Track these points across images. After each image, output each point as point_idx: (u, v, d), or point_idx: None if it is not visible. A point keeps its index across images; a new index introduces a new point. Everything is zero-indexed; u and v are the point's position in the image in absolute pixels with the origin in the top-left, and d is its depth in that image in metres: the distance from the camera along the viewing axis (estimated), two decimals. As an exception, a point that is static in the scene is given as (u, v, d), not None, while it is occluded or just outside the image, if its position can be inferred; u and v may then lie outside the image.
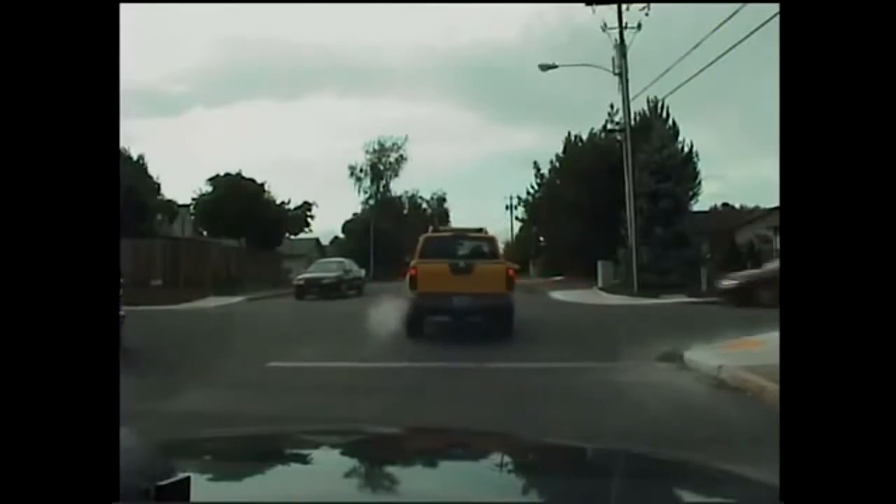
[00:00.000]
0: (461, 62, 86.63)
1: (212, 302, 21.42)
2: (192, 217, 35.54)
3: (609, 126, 27.74)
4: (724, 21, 17.22)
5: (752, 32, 15.64)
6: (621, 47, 22.46)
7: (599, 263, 26.46)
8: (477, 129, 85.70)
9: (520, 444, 1.84)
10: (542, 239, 40.29)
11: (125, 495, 0.78)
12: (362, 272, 27.57)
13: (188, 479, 0.84)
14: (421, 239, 11.43)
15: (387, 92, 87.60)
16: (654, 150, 25.17)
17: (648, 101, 29.90)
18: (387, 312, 16.52)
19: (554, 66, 23.85)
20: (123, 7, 0.97)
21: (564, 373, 7.63)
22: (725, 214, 36.28)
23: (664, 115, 29.99)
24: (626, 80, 22.53)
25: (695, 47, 18.87)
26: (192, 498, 0.84)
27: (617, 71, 22.65)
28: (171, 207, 33.53)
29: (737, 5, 16.01)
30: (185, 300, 20.79)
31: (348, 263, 28.41)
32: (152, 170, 32.97)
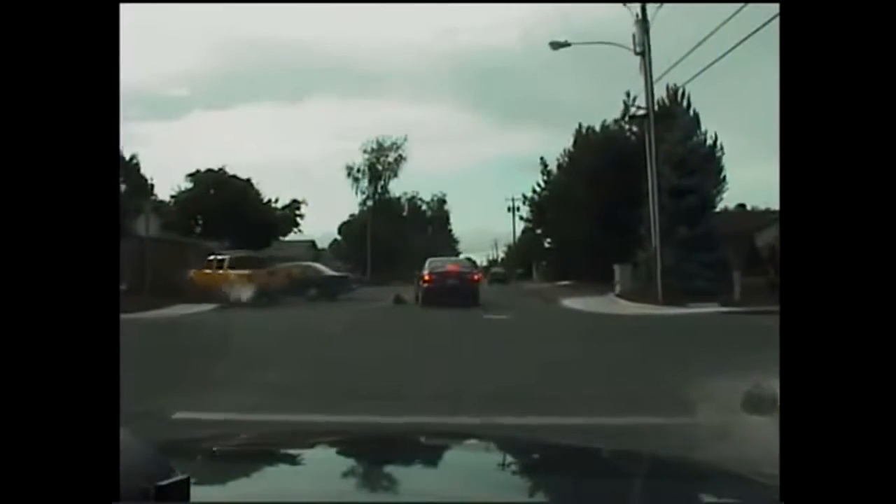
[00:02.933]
0: (462, 64, 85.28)
1: (177, 310, 18.88)
2: (174, 213, 32.72)
3: (628, 113, 24.89)
4: (734, 13, 16.32)
5: (757, 29, 14.89)
6: (643, 23, 19.67)
7: (617, 267, 23.63)
8: (478, 131, 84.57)
9: (520, 444, 1.79)
10: (549, 240, 37.61)
11: (125, 495, 0.78)
12: (340, 275, 26.26)
13: (188, 479, 0.84)
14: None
15: (387, 94, 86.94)
16: (677, 141, 22.41)
17: (668, 89, 27.12)
18: (356, 326, 13.84)
19: (567, 44, 21.32)
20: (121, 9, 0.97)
21: (621, 440, 4.94)
22: (741, 216, 33.90)
23: (685, 103, 27.33)
24: (649, 60, 19.74)
25: (701, 43, 17.01)
26: (192, 498, 0.84)
27: (638, 49, 19.95)
28: (152, 206, 31.37)
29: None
30: (147, 308, 18.16)
31: (316, 267, 26.93)
32: (148, 172, 31.15)
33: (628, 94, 25.71)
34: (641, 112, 20.64)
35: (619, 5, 20.09)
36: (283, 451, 1.62)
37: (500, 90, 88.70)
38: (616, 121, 29.58)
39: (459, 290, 19.69)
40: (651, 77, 19.99)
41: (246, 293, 20.91)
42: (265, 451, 1.60)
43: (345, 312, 17.79)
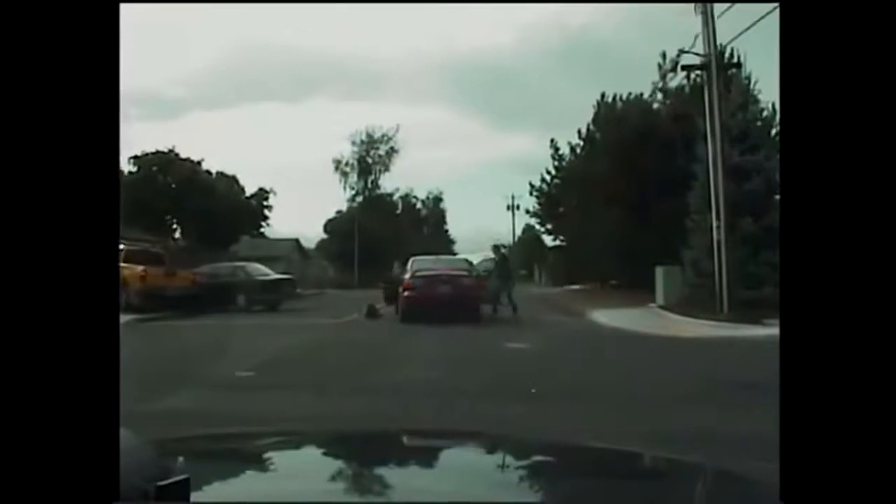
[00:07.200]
0: (459, 66, 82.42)
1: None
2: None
3: (679, 64, 19.28)
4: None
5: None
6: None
7: (659, 270, 18.22)
8: (475, 132, 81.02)
9: (519, 444, 1.80)
10: (560, 238, 32.58)
11: (125, 495, 0.77)
12: (279, 278, 22.02)
13: (188, 479, 0.83)
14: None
15: (384, 96, 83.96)
16: (736, 107, 17.55)
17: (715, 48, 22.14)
18: (275, 367, 8.69)
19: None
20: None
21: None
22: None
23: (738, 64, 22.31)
24: (711, -7, 14.80)
25: None
26: (192, 498, 0.83)
27: (694, -17, 15.00)
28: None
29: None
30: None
31: (248, 268, 22.08)
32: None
33: (664, 56, 20.72)
34: (699, 61, 15.42)
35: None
36: (282, 451, 1.62)
37: (498, 92, 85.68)
38: (641, 95, 24.51)
39: (454, 302, 14.46)
40: (713, 15, 14.94)
41: (136, 295, 17.48)
42: (265, 451, 1.60)
43: (281, 333, 13.01)
